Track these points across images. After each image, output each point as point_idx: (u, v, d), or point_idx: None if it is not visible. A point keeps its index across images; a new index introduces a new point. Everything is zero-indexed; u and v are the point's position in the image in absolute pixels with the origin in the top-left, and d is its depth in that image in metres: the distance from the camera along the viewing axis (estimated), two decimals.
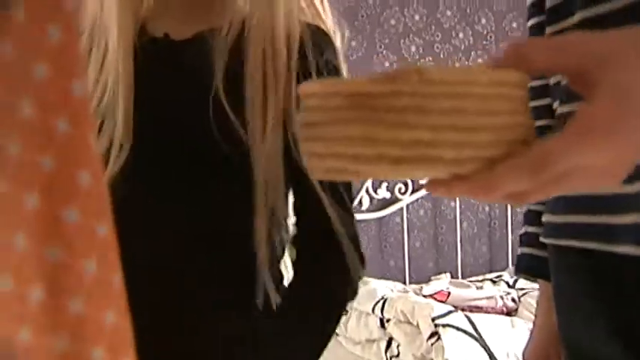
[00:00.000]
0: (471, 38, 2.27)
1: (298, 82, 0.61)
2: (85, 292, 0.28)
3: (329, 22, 0.67)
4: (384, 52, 2.19)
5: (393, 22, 2.19)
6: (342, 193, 0.62)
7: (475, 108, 0.30)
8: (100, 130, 0.60)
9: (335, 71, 0.64)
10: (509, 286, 2.17)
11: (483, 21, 2.28)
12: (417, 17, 2.21)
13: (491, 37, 2.29)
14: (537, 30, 0.62)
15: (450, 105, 0.29)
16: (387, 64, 2.19)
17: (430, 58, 2.23)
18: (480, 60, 2.28)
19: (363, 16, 2.16)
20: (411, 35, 2.21)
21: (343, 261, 0.62)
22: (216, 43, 0.62)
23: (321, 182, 0.60)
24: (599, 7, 0.48)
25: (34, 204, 0.26)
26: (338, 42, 0.66)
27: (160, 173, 0.62)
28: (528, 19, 0.65)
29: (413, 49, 2.21)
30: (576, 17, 0.50)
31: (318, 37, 0.64)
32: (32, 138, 0.27)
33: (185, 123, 0.62)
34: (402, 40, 2.20)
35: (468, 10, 2.26)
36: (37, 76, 0.27)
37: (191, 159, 0.61)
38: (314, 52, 0.62)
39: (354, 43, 2.16)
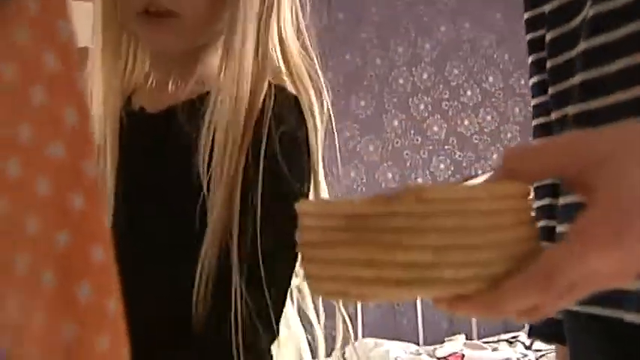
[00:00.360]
0: (479, 96, 2.29)
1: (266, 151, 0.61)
2: None
3: (304, 83, 0.67)
4: (393, 110, 2.20)
5: (401, 81, 2.21)
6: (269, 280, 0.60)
7: (476, 225, 0.29)
8: None
9: (291, 142, 0.63)
10: (526, 347, 2.10)
11: (491, 79, 2.30)
12: (425, 76, 2.24)
13: (499, 94, 2.31)
14: (539, 88, 0.60)
15: (448, 224, 0.29)
16: (395, 122, 2.20)
17: (439, 116, 2.24)
18: (488, 117, 2.29)
19: (371, 76, 2.19)
20: (419, 94, 2.23)
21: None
22: (187, 116, 0.63)
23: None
24: (598, 69, 0.46)
25: (51, 279, 0.27)
26: (314, 101, 0.66)
27: (143, 237, 0.64)
28: (530, 77, 0.64)
29: (421, 107, 2.23)
30: (577, 78, 0.49)
31: (280, 106, 0.64)
32: (48, 213, 0.27)
33: (165, 195, 0.64)
34: (410, 99, 2.22)
35: (475, 69, 2.28)
36: (54, 155, 0.28)
37: (171, 226, 0.63)
38: (275, 123, 0.62)
39: (362, 103, 2.18)
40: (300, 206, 0.32)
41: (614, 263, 0.30)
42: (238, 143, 0.61)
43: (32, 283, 0.26)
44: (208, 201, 0.60)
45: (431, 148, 2.23)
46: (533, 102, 0.60)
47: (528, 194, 0.32)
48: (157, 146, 0.66)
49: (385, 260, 0.28)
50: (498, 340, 2.19)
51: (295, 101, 0.66)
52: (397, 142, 2.21)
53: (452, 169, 2.24)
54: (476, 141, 2.27)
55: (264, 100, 0.63)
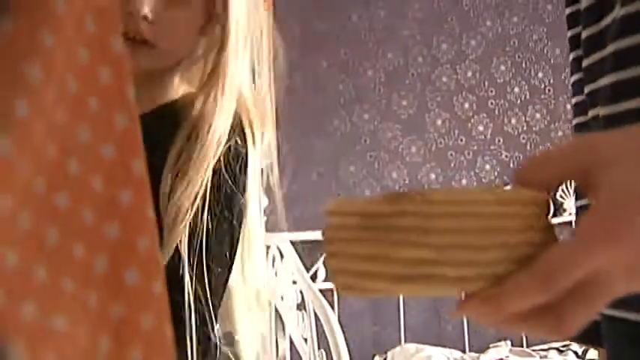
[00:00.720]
0: (527, 93, 2.19)
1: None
2: (142, 341, 0.31)
3: (250, 116, 0.72)
4: (436, 109, 2.14)
5: (444, 79, 2.14)
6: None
7: (480, 226, 0.31)
8: None
9: (237, 159, 0.69)
10: (578, 356, 2.00)
11: (540, 75, 2.20)
12: (469, 73, 2.16)
13: (549, 90, 2.21)
14: (578, 86, 0.59)
15: (451, 224, 0.30)
16: (439, 122, 2.13)
17: (484, 115, 2.16)
18: (537, 114, 2.19)
19: (413, 75, 2.13)
20: (463, 92, 2.15)
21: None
22: (149, 129, 0.65)
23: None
24: (627, 71, 0.46)
25: (103, 266, 0.30)
26: (255, 132, 0.71)
27: None
28: (571, 74, 0.62)
29: (466, 105, 2.15)
30: (607, 79, 0.48)
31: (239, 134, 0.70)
32: (101, 208, 0.31)
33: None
34: (454, 98, 2.15)
35: (524, 64, 2.19)
36: (106, 155, 0.31)
37: None
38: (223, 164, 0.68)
39: (404, 103, 2.12)
40: (326, 206, 0.33)
41: (619, 261, 0.30)
42: (202, 170, 0.66)
43: (87, 269, 0.30)
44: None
45: (476, 148, 2.15)
46: (573, 100, 0.59)
47: (541, 202, 0.33)
48: None
49: (393, 256, 0.31)
50: (549, 348, 2.10)
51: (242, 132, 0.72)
52: (441, 143, 2.14)
53: (498, 169, 2.16)
54: (524, 140, 2.18)
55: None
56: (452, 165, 2.15)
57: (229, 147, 0.67)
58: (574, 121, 0.59)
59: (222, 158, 0.67)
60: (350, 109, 2.09)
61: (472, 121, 2.16)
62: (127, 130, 0.32)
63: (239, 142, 0.69)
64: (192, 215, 0.64)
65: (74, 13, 0.29)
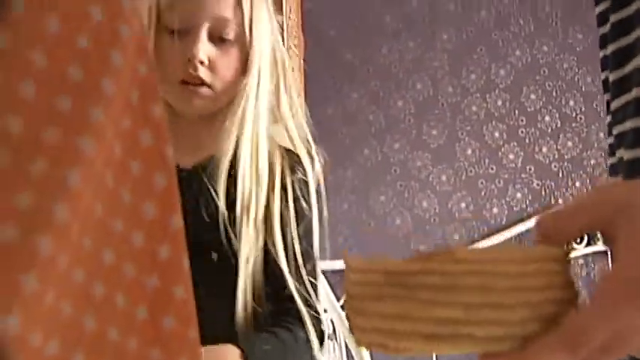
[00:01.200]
0: (559, 121, 2.19)
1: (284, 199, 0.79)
2: None
3: (300, 148, 0.85)
4: (466, 138, 2.15)
5: (474, 108, 2.16)
6: (306, 281, 0.79)
7: (507, 285, 0.31)
8: None
9: (305, 185, 0.81)
10: None
11: (571, 103, 2.20)
12: (499, 102, 2.17)
13: (580, 118, 2.20)
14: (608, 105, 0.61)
15: (479, 283, 0.30)
16: (469, 151, 2.14)
17: (515, 143, 2.16)
18: (569, 143, 2.18)
19: (442, 105, 2.15)
20: (494, 121, 2.16)
21: (306, 332, 0.78)
22: (214, 170, 0.78)
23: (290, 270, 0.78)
24: None
25: (143, 314, 0.33)
26: (308, 162, 0.84)
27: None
28: (604, 93, 0.63)
29: (496, 134, 2.16)
30: (634, 93, 0.49)
31: (291, 160, 0.82)
32: (142, 262, 0.33)
33: (202, 238, 0.76)
34: (484, 127, 2.16)
35: (555, 93, 2.19)
36: (147, 214, 0.34)
37: (208, 263, 0.77)
38: (288, 172, 0.80)
39: (434, 132, 2.14)
40: (346, 261, 0.34)
41: None
42: (263, 189, 0.77)
43: (129, 316, 0.32)
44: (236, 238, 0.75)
45: (507, 176, 2.15)
46: (609, 140, 0.59)
47: (563, 258, 0.33)
48: (189, 194, 0.77)
49: (419, 315, 0.31)
50: None
51: (299, 159, 0.84)
52: (471, 171, 2.15)
53: (529, 198, 2.15)
54: (555, 168, 2.17)
55: (280, 161, 0.80)
56: (482, 194, 2.15)
57: (297, 178, 0.80)
58: (609, 161, 0.59)
59: (295, 187, 0.79)
60: (380, 139, 2.12)
61: (503, 149, 2.16)
62: (166, 189, 0.36)
63: (301, 171, 0.81)
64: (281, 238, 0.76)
65: (121, 90, 0.34)
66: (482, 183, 2.15)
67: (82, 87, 0.31)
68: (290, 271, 0.78)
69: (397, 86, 2.15)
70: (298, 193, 0.79)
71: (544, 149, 2.17)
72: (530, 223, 2.09)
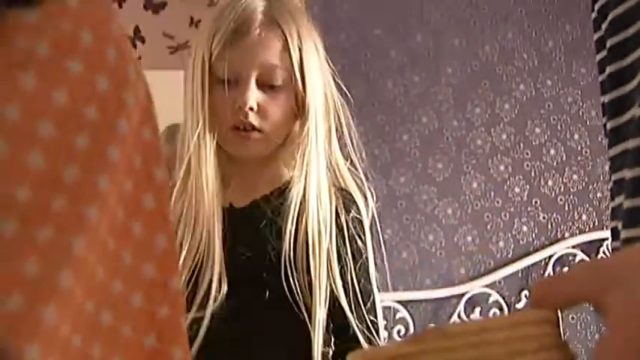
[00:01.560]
0: (564, 154, 2.19)
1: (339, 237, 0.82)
2: None
3: (353, 187, 0.87)
4: (472, 172, 2.16)
5: (479, 142, 2.17)
6: (367, 320, 0.81)
7: (501, 352, 0.31)
8: (198, 275, 0.80)
9: (359, 223, 0.83)
10: None
11: (576, 136, 2.21)
12: (504, 136, 2.18)
13: (586, 152, 2.21)
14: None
15: (475, 355, 0.31)
16: (474, 184, 2.15)
17: (520, 177, 2.17)
18: (575, 176, 2.19)
19: (448, 138, 2.17)
20: (498, 155, 2.17)
21: None
22: (268, 208, 0.82)
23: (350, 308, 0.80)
24: None
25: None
26: (361, 201, 0.85)
27: (246, 309, 0.80)
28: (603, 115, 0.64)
29: (502, 168, 2.17)
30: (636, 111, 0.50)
31: (344, 199, 0.84)
32: (140, 323, 0.34)
33: (257, 276, 0.80)
34: (489, 160, 2.17)
35: (559, 127, 2.20)
36: (147, 275, 0.35)
37: (268, 300, 0.80)
38: (342, 212, 0.82)
39: (440, 166, 2.15)
40: (351, 356, 0.35)
41: None
42: (328, 230, 0.81)
43: None
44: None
45: (512, 210, 2.15)
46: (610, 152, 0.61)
47: (555, 320, 0.33)
48: (246, 233, 0.82)
49: None
50: None
51: (353, 198, 0.87)
52: (477, 205, 2.15)
53: (536, 231, 2.14)
54: (561, 202, 2.16)
55: (335, 201, 0.84)
56: (488, 227, 2.14)
57: (351, 217, 0.83)
58: (610, 204, 0.60)
59: (350, 226, 0.82)
60: (386, 172, 2.13)
61: (508, 183, 2.17)
62: (166, 251, 0.37)
63: (355, 210, 0.84)
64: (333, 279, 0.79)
65: (125, 156, 0.35)
66: (488, 216, 2.15)
67: (88, 156, 0.33)
68: (351, 310, 0.80)
69: (402, 120, 2.17)
70: (353, 231, 0.82)
71: (550, 182, 2.17)
72: (537, 257, 2.09)
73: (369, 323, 0.82)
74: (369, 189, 0.88)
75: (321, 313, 0.78)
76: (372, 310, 0.84)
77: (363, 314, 0.82)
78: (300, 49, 0.85)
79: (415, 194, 2.14)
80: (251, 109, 0.83)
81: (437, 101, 2.19)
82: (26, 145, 0.31)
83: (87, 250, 0.32)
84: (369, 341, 0.81)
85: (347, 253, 0.81)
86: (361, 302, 0.81)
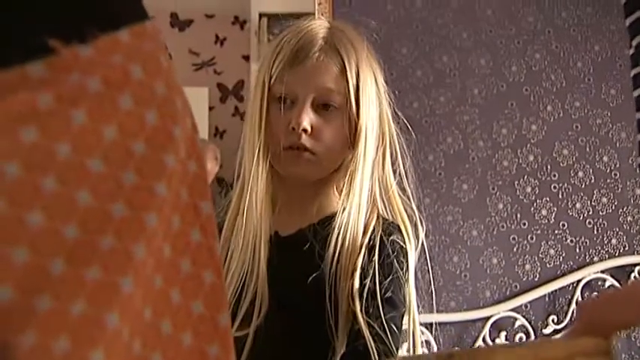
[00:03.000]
0: (593, 177, 2.16)
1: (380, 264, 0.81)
2: None
3: (402, 214, 0.87)
4: (498, 193, 2.13)
5: (505, 163, 2.14)
6: (385, 324, 0.80)
7: None
8: (240, 295, 0.81)
9: (400, 249, 0.83)
10: None
11: (605, 158, 2.17)
12: (531, 157, 2.15)
13: (615, 174, 2.17)
14: None
15: None
16: (500, 205, 2.12)
17: (548, 199, 2.13)
18: (604, 199, 2.15)
19: (473, 159, 2.14)
20: (525, 176, 2.14)
21: None
22: (313, 238, 0.82)
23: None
24: None
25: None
26: (409, 228, 0.85)
27: (287, 327, 0.82)
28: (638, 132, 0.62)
29: (528, 189, 2.14)
30: None
31: (389, 226, 0.84)
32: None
33: (300, 299, 0.81)
34: (516, 182, 2.14)
35: (588, 148, 2.17)
36: (195, 312, 0.34)
37: (307, 320, 0.81)
38: (381, 234, 0.82)
39: (465, 187, 2.13)
40: None
41: None
42: (356, 252, 0.81)
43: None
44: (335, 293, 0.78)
45: (539, 232, 2.11)
46: None
47: (605, 351, 0.31)
48: (291, 262, 0.83)
49: None
50: None
51: (398, 226, 0.86)
52: (502, 227, 2.12)
53: (563, 255, 2.10)
54: (590, 225, 2.12)
55: (374, 225, 0.83)
56: (514, 249, 2.11)
57: (390, 239, 0.83)
58: None
59: (386, 246, 0.82)
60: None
61: (535, 205, 2.13)
62: (214, 286, 0.36)
63: (399, 237, 0.84)
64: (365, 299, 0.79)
65: (172, 190, 0.34)
66: (513, 239, 2.11)
67: (136, 192, 0.32)
68: (361, 310, 0.78)
69: (428, 140, 2.15)
70: (389, 251, 0.81)
71: (578, 205, 2.13)
72: (565, 281, 2.04)
73: (386, 328, 0.79)
74: (421, 220, 0.88)
75: (341, 328, 0.79)
76: (395, 320, 0.81)
77: (379, 317, 0.80)
78: (357, 76, 0.86)
79: (440, 215, 2.11)
80: (304, 130, 0.84)
81: (462, 121, 2.17)
82: (76, 182, 0.31)
83: (135, 290, 0.31)
84: (382, 341, 0.79)
85: (373, 267, 0.80)
86: (380, 306, 0.79)
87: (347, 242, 0.80)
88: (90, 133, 0.31)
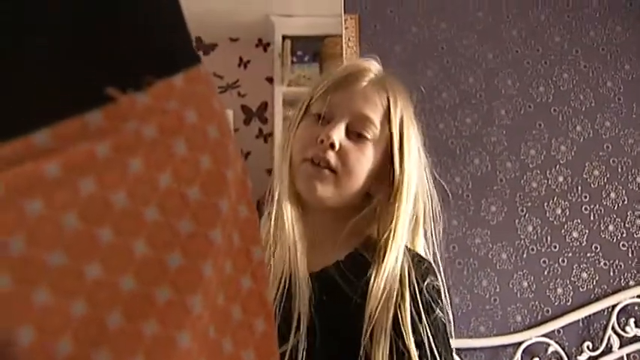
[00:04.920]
0: (626, 198, 2.11)
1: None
2: None
3: (429, 259, 0.86)
4: (527, 215, 2.09)
5: (534, 184, 2.11)
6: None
7: None
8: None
9: (437, 291, 0.81)
10: None
11: (639, 179, 2.12)
12: (560, 178, 2.12)
13: None
14: None
15: None
16: (530, 228, 2.08)
17: (579, 221, 2.09)
18: (638, 221, 2.09)
19: (501, 181, 2.11)
20: (555, 197, 2.10)
21: None
22: (337, 273, 0.80)
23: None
24: None
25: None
26: (437, 270, 0.84)
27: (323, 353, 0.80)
28: None
29: (558, 211, 2.10)
30: None
31: (421, 267, 0.82)
32: None
33: (335, 329, 0.80)
34: (545, 203, 2.10)
35: (620, 169, 2.12)
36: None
37: (342, 347, 0.79)
38: (419, 280, 0.81)
39: (493, 209, 2.09)
40: None
41: None
42: (394, 294, 0.78)
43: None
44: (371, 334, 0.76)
45: (571, 255, 2.07)
46: None
47: None
48: (319, 297, 0.81)
49: None
50: None
51: (426, 263, 0.85)
52: (532, 249, 2.08)
53: (597, 278, 2.05)
54: (624, 248, 2.07)
55: (407, 267, 0.82)
56: (545, 273, 2.06)
57: (428, 286, 0.82)
58: None
59: (425, 294, 0.81)
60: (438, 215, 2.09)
61: (566, 227, 2.09)
62: (265, 335, 0.35)
63: (432, 278, 0.83)
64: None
65: (225, 236, 0.34)
66: (544, 262, 2.07)
67: (192, 241, 0.31)
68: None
69: (454, 162, 2.13)
70: (428, 297, 0.80)
71: (610, 227, 2.08)
72: (599, 306, 1.99)
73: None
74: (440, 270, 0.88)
75: None
76: None
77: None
78: (401, 124, 0.85)
79: (468, 237, 2.08)
80: (332, 145, 0.81)
81: (490, 143, 2.14)
82: (132, 231, 0.30)
83: (191, 344, 0.30)
84: None
85: (421, 319, 0.79)
86: (437, 353, 0.79)
87: (385, 293, 0.79)
88: (146, 181, 0.31)
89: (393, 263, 0.81)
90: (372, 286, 0.78)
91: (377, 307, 0.77)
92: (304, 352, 0.78)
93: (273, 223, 0.85)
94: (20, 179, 0.27)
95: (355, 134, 0.84)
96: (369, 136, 0.84)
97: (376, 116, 0.84)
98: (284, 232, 0.83)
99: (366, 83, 0.86)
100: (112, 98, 0.29)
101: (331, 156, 0.81)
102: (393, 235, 0.82)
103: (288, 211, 0.83)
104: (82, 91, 0.29)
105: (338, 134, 0.82)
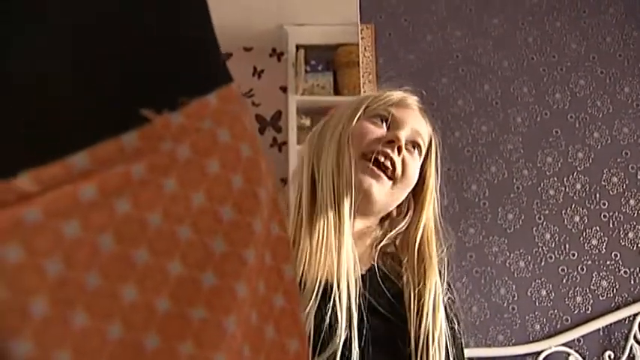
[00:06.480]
0: None
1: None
2: None
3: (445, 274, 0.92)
4: (545, 223, 2.07)
5: (552, 192, 2.09)
6: None
7: None
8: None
9: (453, 304, 0.86)
10: None
11: None
12: (578, 186, 2.10)
13: None
14: None
15: None
16: (547, 236, 2.06)
17: (597, 228, 2.07)
18: None
19: (518, 188, 2.10)
20: (573, 205, 2.08)
21: None
22: (380, 278, 0.86)
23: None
24: None
25: None
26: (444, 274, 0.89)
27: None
28: None
29: (576, 219, 2.07)
30: None
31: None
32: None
33: (378, 331, 0.82)
34: (563, 211, 2.08)
35: (639, 176, 2.10)
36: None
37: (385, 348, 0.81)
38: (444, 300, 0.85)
39: (510, 217, 2.08)
40: None
41: None
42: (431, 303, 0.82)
43: None
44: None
45: (590, 263, 2.04)
46: None
47: None
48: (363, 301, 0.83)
49: None
50: None
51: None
52: (551, 257, 2.05)
53: (617, 286, 2.02)
54: None
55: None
56: (564, 281, 2.04)
57: (449, 300, 0.87)
58: None
59: (447, 307, 0.85)
60: (455, 223, 2.07)
61: (584, 234, 2.07)
62: (298, 355, 0.34)
63: (450, 291, 0.88)
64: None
65: (258, 254, 0.33)
66: (563, 270, 2.05)
67: (226, 260, 0.31)
68: None
69: (471, 170, 2.12)
70: (449, 312, 0.86)
71: (630, 235, 2.06)
72: (620, 315, 1.96)
73: None
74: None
75: None
76: None
77: None
78: (436, 155, 0.92)
79: (485, 246, 2.06)
80: (399, 150, 0.84)
81: (506, 150, 2.13)
82: (167, 252, 0.30)
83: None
84: None
85: (448, 337, 0.83)
86: None
87: (435, 307, 0.83)
88: (180, 200, 0.31)
89: (434, 280, 0.84)
90: (422, 305, 0.82)
91: (426, 323, 0.81)
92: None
93: (306, 219, 0.85)
94: (58, 202, 0.27)
95: (411, 144, 0.89)
96: (421, 151, 0.90)
97: (426, 135, 0.91)
98: (326, 234, 0.82)
99: (416, 108, 0.92)
100: (147, 119, 0.30)
101: (398, 161, 0.85)
102: (430, 257, 0.86)
103: (347, 207, 0.82)
104: (118, 113, 0.29)
105: (404, 138, 0.86)
